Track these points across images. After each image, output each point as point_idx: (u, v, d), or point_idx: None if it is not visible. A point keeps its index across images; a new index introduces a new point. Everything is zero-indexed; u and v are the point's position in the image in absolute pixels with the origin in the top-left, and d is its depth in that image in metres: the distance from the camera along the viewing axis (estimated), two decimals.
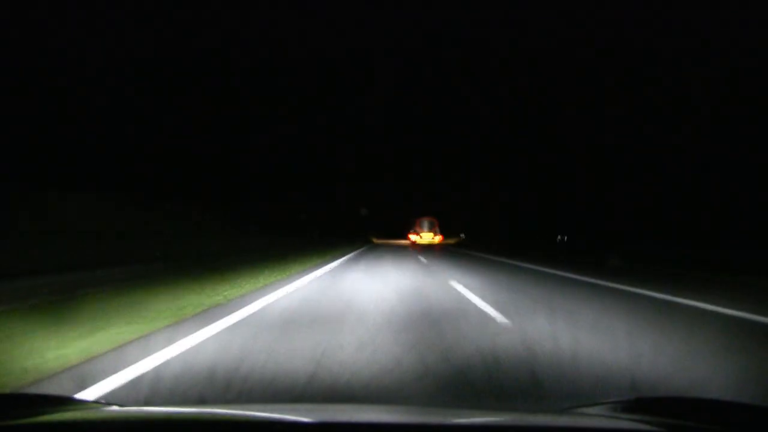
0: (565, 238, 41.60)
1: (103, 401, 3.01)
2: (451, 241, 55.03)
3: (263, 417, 1.80)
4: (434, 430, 1.65)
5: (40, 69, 32.15)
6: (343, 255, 22.09)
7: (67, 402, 1.93)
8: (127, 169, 35.20)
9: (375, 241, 57.29)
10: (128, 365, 3.85)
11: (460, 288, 9.15)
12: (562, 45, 48.01)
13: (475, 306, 6.96)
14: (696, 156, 28.81)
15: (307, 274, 12.24)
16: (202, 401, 3.15)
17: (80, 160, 32.85)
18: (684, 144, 29.61)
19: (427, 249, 28.79)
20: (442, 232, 50.16)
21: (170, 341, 4.66)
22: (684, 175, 29.61)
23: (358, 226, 64.93)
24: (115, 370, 3.71)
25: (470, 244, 45.55)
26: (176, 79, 43.43)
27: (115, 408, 1.97)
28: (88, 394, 3.24)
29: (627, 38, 38.31)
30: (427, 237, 47.80)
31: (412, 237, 49.03)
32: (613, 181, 34.95)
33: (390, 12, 69.17)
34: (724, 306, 6.90)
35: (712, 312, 6.63)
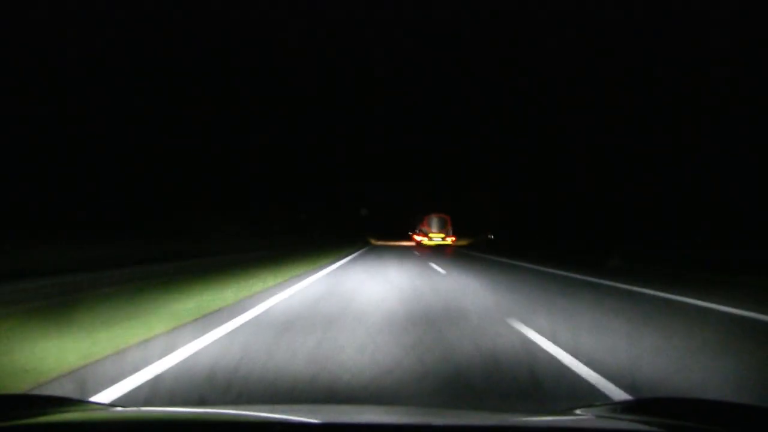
0: None
1: (104, 402, 3.02)
2: (463, 242, 47.39)
3: (264, 417, 1.80)
4: (435, 431, 1.65)
5: (40, 69, 32.11)
6: (346, 255, 22.20)
7: (68, 403, 1.92)
8: (126, 169, 35.17)
9: (373, 242, 56.30)
10: (136, 364, 3.87)
11: None
12: (562, 45, 47.93)
13: None
14: (696, 156, 28.77)
15: (307, 277, 12.31)
16: (202, 400, 3.16)
17: (79, 160, 32.84)
18: (684, 144, 29.57)
19: (446, 257, 22.15)
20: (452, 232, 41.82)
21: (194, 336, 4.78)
22: (684, 175, 29.56)
23: (358, 226, 64.81)
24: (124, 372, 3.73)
25: (494, 247, 35.52)
26: (176, 79, 43.39)
27: (117, 409, 1.97)
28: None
29: (627, 38, 38.24)
30: (436, 238, 40.17)
31: (418, 238, 41.85)
32: (613, 181, 34.90)
33: (390, 12, 69.00)
34: (725, 305, 6.91)
35: (712, 311, 6.64)
